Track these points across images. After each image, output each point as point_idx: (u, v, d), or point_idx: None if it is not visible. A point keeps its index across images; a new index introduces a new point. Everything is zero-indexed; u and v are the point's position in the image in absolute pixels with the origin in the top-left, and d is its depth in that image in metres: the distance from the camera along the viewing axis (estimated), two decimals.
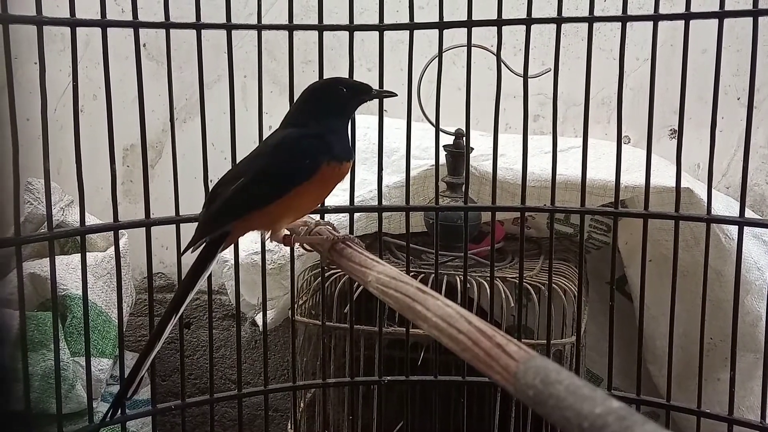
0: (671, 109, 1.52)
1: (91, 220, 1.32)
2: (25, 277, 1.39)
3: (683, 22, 1.03)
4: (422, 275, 1.32)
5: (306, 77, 0.77)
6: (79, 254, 1.06)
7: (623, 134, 1.70)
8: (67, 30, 0.99)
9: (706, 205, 1.11)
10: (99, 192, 1.66)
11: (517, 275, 1.15)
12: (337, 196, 1.23)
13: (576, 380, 0.41)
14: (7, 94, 0.94)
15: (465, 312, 0.53)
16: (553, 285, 1.21)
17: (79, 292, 1.07)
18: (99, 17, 1.01)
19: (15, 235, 0.99)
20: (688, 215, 1.13)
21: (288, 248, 1.19)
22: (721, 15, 1.01)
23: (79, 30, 1.00)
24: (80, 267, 1.05)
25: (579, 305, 1.16)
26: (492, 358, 0.47)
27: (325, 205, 1.13)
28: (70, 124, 1.02)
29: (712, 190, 1.10)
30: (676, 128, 1.07)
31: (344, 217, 1.27)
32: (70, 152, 1.02)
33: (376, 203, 1.17)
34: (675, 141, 1.07)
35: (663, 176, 1.36)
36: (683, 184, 1.27)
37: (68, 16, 0.98)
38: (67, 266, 1.44)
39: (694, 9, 1.02)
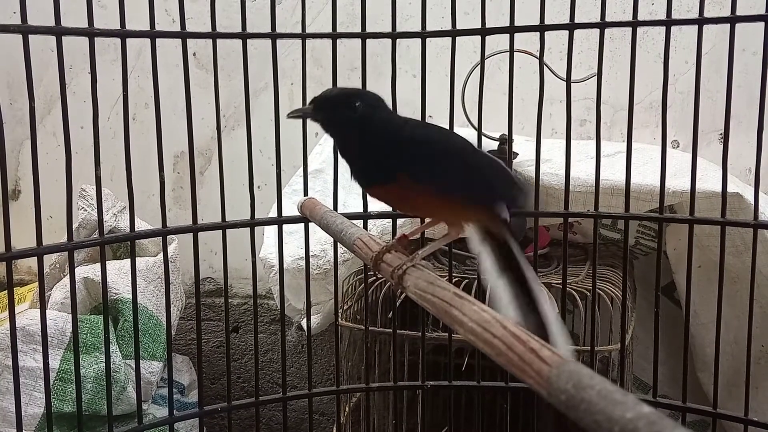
0: (722, 113, 1.49)
1: (142, 225, 1.35)
2: (78, 281, 1.43)
3: (729, 25, 1.02)
4: (466, 281, 1.32)
5: (351, 84, 0.78)
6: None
7: (673, 138, 1.69)
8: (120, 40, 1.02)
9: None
10: (151, 198, 1.70)
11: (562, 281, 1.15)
12: (380, 202, 1.24)
13: (608, 385, 0.41)
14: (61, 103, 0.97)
15: (500, 317, 0.53)
16: (599, 291, 1.20)
17: (131, 296, 1.09)
18: (149, 28, 1.04)
19: (68, 240, 1.03)
20: (734, 221, 1.11)
21: (331, 253, 1.21)
22: (767, 18, 0.99)
23: (131, 40, 1.02)
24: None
25: (624, 311, 1.15)
26: (525, 362, 0.47)
27: (368, 210, 1.14)
28: (122, 132, 1.05)
29: (761, 194, 1.08)
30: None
31: (388, 223, 1.28)
32: (122, 159, 1.05)
33: None
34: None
35: (712, 181, 1.33)
36: (733, 189, 1.25)
37: (119, 27, 1.01)
38: (119, 271, 1.47)
39: (740, 12, 1.00)
